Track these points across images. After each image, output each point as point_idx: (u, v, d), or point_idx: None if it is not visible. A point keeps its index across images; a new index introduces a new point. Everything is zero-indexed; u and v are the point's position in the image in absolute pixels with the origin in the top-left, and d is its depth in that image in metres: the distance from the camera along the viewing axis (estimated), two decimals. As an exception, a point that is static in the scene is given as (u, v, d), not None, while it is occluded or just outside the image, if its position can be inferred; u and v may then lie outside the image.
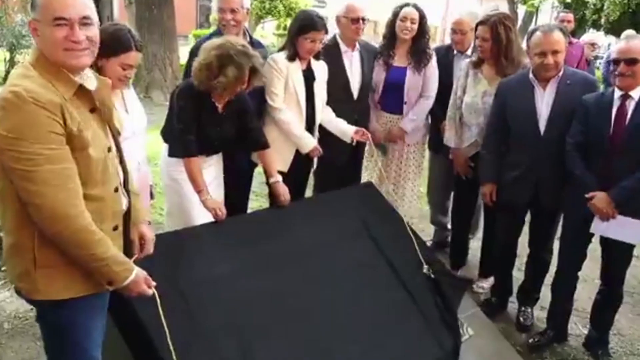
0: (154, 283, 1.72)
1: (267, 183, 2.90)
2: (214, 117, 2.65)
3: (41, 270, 1.57)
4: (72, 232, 1.50)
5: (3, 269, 3.09)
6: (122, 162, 1.76)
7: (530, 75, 2.83)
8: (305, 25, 2.99)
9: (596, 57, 7.31)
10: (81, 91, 1.57)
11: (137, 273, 1.65)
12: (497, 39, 3.05)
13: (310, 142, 3.11)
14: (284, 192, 2.76)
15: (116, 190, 1.68)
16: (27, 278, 1.58)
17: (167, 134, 2.80)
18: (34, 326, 2.82)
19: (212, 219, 2.52)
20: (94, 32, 1.57)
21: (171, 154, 2.72)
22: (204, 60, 2.49)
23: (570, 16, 6.22)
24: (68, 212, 1.48)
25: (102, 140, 1.62)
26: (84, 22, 1.52)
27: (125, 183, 1.78)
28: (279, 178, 2.82)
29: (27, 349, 2.72)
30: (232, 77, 2.47)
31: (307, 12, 3.34)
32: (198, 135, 2.60)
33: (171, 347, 1.81)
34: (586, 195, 2.60)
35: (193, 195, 2.61)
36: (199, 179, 2.58)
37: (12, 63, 11.09)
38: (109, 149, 1.66)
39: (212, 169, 2.83)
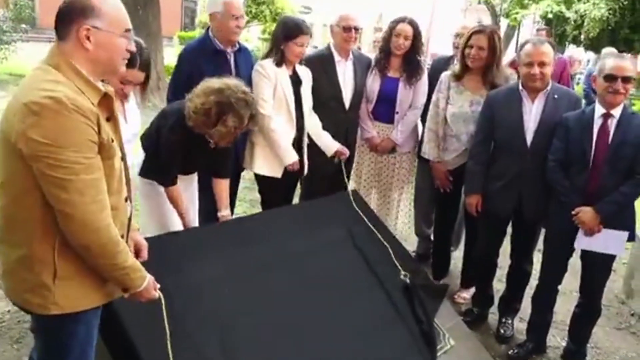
0: (158, 285, 1.73)
1: (259, 190, 2.89)
2: (205, 151, 2.59)
3: (60, 282, 1.53)
4: (101, 244, 1.49)
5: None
6: (126, 170, 1.75)
7: (520, 87, 2.88)
8: (294, 30, 3.00)
9: (575, 74, 7.50)
10: (104, 99, 1.56)
11: (149, 279, 1.67)
12: (494, 48, 3.13)
13: (292, 156, 3.09)
14: None
15: (126, 199, 1.69)
16: (42, 291, 1.53)
17: (150, 159, 2.66)
18: (11, 329, 2.77)
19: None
20: None
21: (147, 176, 2.65)
22: (202, 105, 2.38)
23: (543, 33, 6.39)
24: (99, 225, 1.47)
25: (117, 149, 1.62)
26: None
27: (129, 192, 1.77)
28: (228, 212, 2.83)
29: (2, 352, 2.66)
30: (232, 127, 2.40)
31: (291, 17, 3.38)
32: (184, 162, 2.58)
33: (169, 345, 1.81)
34: (572, 212, 2.64)
35: (167, 201, 2.61)
36: (181, 203, 2.59)
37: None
38: (122, 158, 1.67)
39: (186, 185, 2.78)
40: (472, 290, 3.53)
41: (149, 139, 2.66)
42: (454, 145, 3.32)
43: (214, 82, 2.44)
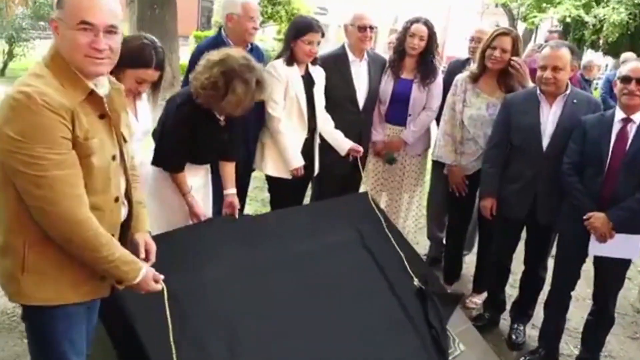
0: (162, 277, 1.72)
1: (269, 189, 2.87)
2: (215, 130, 2.55)
3: (29, 275, 1.54)
4: (83, 237, 1.49)
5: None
6: (125, 170, 1.73)
7: (538, 91, 2.85)
8: (302, 27, 2.99)
9: (593, 79, 7.40)
10: (92, 96, 1.54)
11: (146, 271, 1.66)
12: (517, 53, 3.13)
13: (297, 161, 3.07)
14: (235, 206, 2.72)
15: (117, 200, 1.66)
16: (13, 281, 1.56)
17: (158, 143, 2.62)
18: (21, 323, 2.78)
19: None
20: (118, 41, 1.54)
21: (156, 163, 2.59)
22: (208, 79, 2.32)
23: (555, 36, 6.33)
24: (76, 218, 1.47)
25: (108, 148, 1.59)
26: (110, 30, 1.50)
27: (127, 192, 1.75)
28: (234, 191, 2.78)
29: (13, 346, 2.68)
30: (242, 94, 2.33)
31: (303, 16, 3.39)
32: (198, 148, 2.53)
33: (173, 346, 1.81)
34: (584, 217, 2.60)
35: (173, 200, 2.58)
36: (184, 185, 2.54)
37: (10, 56, 11.05)
38: (114, 157, 1.63)
39: (199, 177, 2.73)
40: (484, 295, 3.49)
41: (159, 125, 2.62)
42: (471, 148, 3.28)
43: (213, 55, 2.40)
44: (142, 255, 1.80)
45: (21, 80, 1.45)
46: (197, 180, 2.69)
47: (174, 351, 1.81)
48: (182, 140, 2.46)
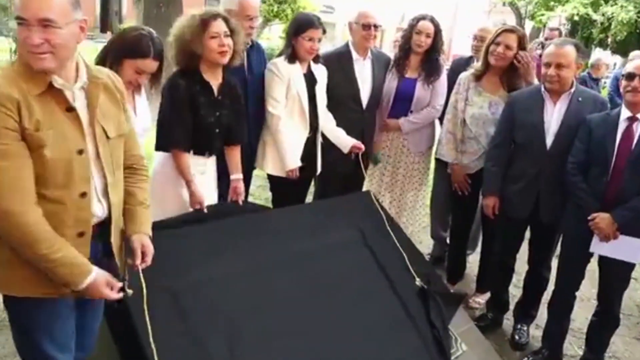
0: (119, 284, 1.65)
1: (271, 188, 2.85)
2: (210, 102, 2.56)
3: None
4: (15, 229, 1.47)
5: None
6: (102, 166, 1.67)
7: (542, 89, 2.83)
8: (303, 24, 2.97)
9: (601, 77, 7.34)
10: (53, 89, 1.52)
11: (95, 277, 1.58)
12: (523, 49, 3.09)
13: (293, 163, 3.03)
14: (239, 192, 2.75)
15: (83, 195, 1.60)
16: None
17: (159, 124, 2.63)
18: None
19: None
20: (60, 35, 1.46)
21: (159, 146, 2.57)
22: (178, 38, 2.45)
23: (555, 33, 6.30)
24: (12, 209, 1.45)
25: (70, 141, 1.55)
26: (44, 24, 1.44)
27: (106, 190, 1.70)
28: (240, 176, 2.79)
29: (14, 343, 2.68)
30: (218, 34, 2.44)
31: (304, 13, 3.37)
32: (197, 126, 2.52)
33: (153, 346, 1.78)
34: (589, 218, 2.58)
35: (175, 188, 2.57)
36: (188, 172, 2.52)
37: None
38: (81, 152, 1.58)
39: (206, 175, 2.71)
40: (488, 294, 3.47)
41: (159, 112, 2.63)
42: (473, 147, 3.25)
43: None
44: (139, 258, 1.76)
45: None
46: (204, 179, 2.66)
47: (155, 355, 1.78)
48: (179, 110, 2.48)
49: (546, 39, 6.13)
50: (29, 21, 1.43)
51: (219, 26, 2.47)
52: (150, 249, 1.81)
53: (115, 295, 1.64)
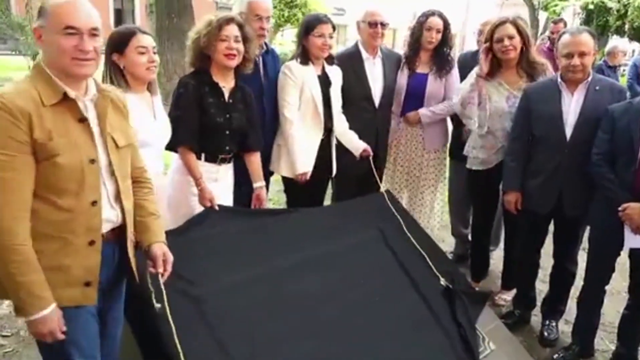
0: (64, 328, 1.59)
1: (285, 190, 2.85)
2: (219, 104, 2.57)
3: None
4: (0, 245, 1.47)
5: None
6: (114, 173, 1.70)
7: (559, 80, 2.77)
8: (311, 22, 2.98)
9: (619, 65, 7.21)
10: (66, 100, 1.58)
11: (49, 314, 1.54)
12: (523, 34, 3.02)
13: (304, 167, 3.02)
14: (262, 199, 2.78)
15: (94, 204, 1.63)
16: None
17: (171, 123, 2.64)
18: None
19: None
20: (100, 44, 1.63)
21: (169, 145, 2.55)
22: (194, 41, 2.51)
23: (560, 26, 6.21)
24: (1, 224, 1.46)
25: (82, 150, 1.59)
26: (93, 33, 1.58)
27: (118, 196, 1.72)
28: (263, 184, 2.81)
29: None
30: (230, 38, 2.48)
31: (311, 13, 3.37)
32: (206, 126, 2.53)
33: (180, 351, 1.78)
34: (619, 208, 2.51)
35: (190, 195, 2.58)
36: (197, 171, 2.53)
37: (34, 67, 11.31)
38: (93, 161, 1.62)
39: (220, 183, 2.69)
40: (514, 291, 3.41)
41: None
42: (490, 142, 3.19)
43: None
44: (160, 267, 1.79)
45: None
46: (218, 185, 2.65)
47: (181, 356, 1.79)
48: (185, 108, 2.50)
49: (552, 33, 6.05)
50: (81, 30, 1.55)
51: (231, 30, 2.51)
52: (170, 257, 1.84)
53: (59, 336, 1.58)
